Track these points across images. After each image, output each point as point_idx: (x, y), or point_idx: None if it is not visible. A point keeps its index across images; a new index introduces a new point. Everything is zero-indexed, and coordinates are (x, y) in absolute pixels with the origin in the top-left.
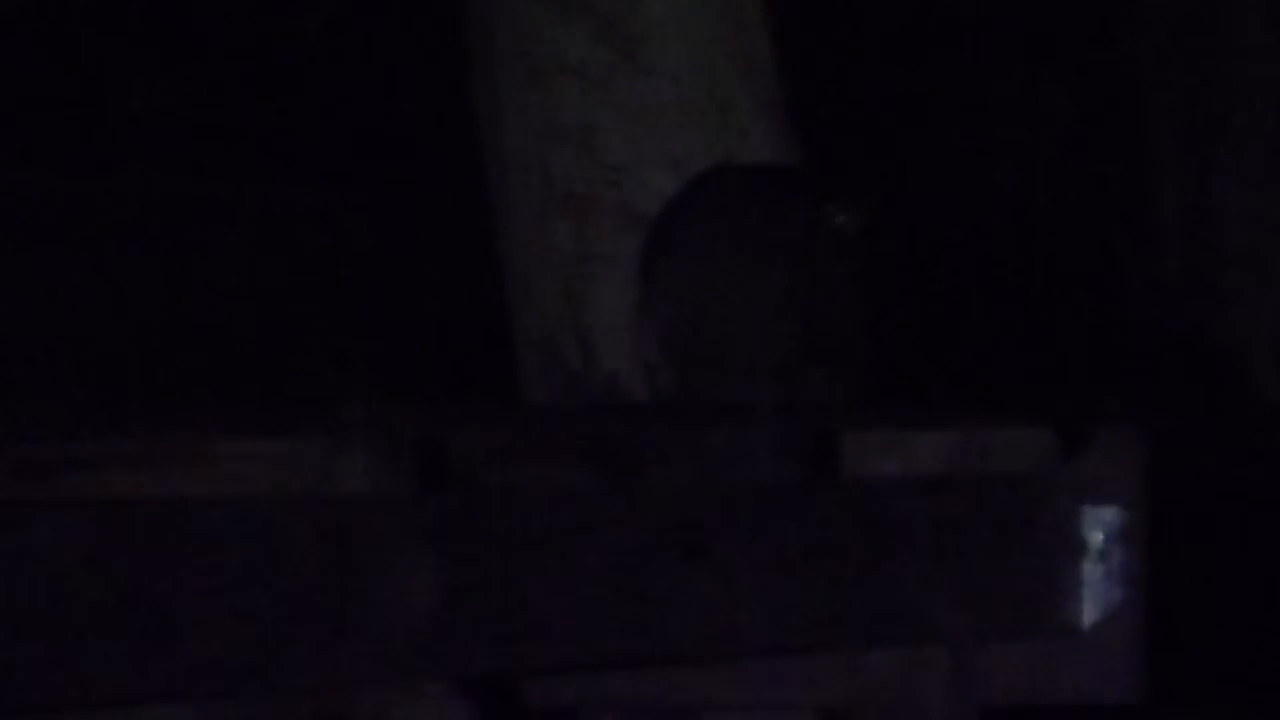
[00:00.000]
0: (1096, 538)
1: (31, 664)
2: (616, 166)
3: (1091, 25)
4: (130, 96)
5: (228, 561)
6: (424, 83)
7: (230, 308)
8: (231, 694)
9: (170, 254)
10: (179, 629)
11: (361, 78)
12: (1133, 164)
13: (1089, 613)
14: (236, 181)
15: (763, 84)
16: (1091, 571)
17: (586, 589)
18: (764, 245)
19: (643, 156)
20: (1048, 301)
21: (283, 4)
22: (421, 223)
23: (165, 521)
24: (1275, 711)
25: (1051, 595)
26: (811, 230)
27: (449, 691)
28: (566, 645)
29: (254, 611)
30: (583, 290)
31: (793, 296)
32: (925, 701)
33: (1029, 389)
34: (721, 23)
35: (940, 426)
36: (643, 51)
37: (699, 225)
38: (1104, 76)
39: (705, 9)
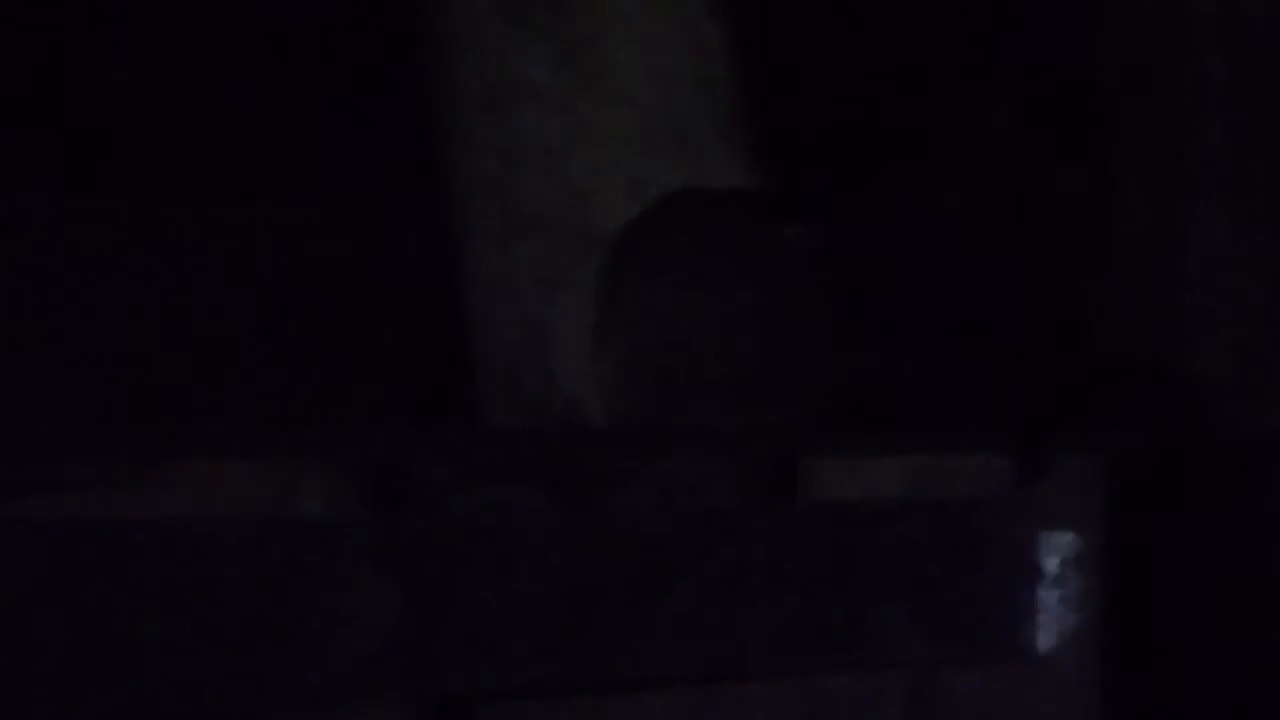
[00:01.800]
0: (1053, 563)
1: None
2: (577, 191)
3: (1055, 49)
4: (80, 115)
5: (183, 584)
6: (386, 105)
7: (190, 331)
8: (187, 719)
9: (122, 275)
10: (134, 652)
11: (324, 102)
12: (1095, 188)
13: (1045, 638)
14: (199, 201)
15: (722, 108)
16: (1047, 597)
17: (546, 613)
18: (723, 269)
19: (603, 181)
20: (1008, 326)
21: (238, 22)
22: (383, 246)
23: (121, 544)
24: None
25: (1008, 620)
26: (770, 254)
27: (407, 716)
28: (526, 669)
29: (210, 635)
30: (543, 314)
31: (752, 321)
32: None
33: (988, 415)
34: (681, 48)
35: (900, 451)
36: (603, 76)
37: (658, 249)
38: (1068, 98)
39: (666, 34)
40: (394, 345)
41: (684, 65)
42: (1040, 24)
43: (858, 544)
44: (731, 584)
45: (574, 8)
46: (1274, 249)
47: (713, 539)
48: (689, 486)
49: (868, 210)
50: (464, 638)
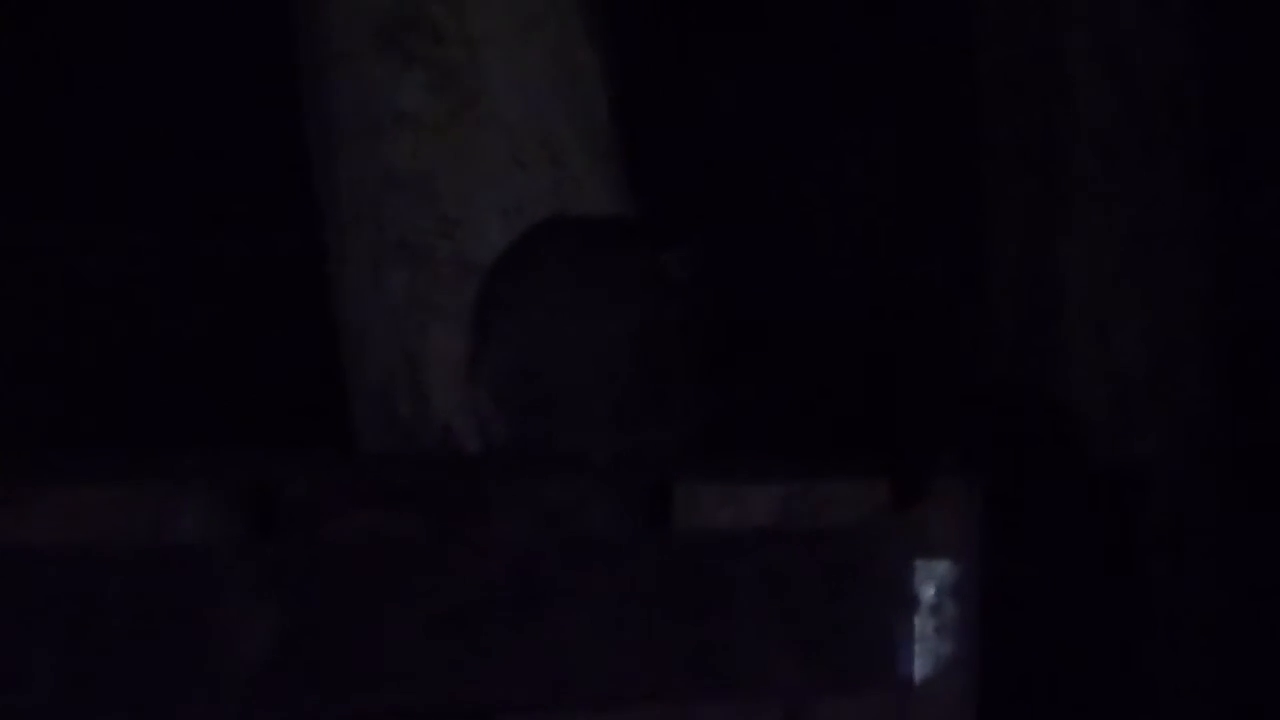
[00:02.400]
0: (929, 591)
1: None
2: (451, 217)
3: (932, 81)
4: None
5: (56, 610)
6: (258, 131)
7: (65, 354)
8: None
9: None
10: (8, 677)
11: (196, 127)
12: (971, 218)
13: (921, 667)
14: (74, 228)
15: (598, 134)
16: (924, 625)
17: (419, 639)
18: (597, 296)
19: (477, 207)
20: (884, 354)
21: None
22: (256, 271)
23: None
24: None
25: (884, 649)
26: (646, 280)
27: None
28: (399, 695)
29: (86, 660)
30: (416, 341)
31: (626, 348)
32: None
33: (864, 441)
34: (556, 75)
35: (774, 478)
36: (479, 102)
37: (532, 276)
38: (944, 129)
39: (540, 61)
40: (270, 371)
41: (559, 92)
42: (916, 43)
43: (732, 571)
44: (605, 611)
45: (449, 34)
46: (1146, 278)
47: (586, 566)
48: (562, 513)
49: (744, 237)
50: (337, 664)
